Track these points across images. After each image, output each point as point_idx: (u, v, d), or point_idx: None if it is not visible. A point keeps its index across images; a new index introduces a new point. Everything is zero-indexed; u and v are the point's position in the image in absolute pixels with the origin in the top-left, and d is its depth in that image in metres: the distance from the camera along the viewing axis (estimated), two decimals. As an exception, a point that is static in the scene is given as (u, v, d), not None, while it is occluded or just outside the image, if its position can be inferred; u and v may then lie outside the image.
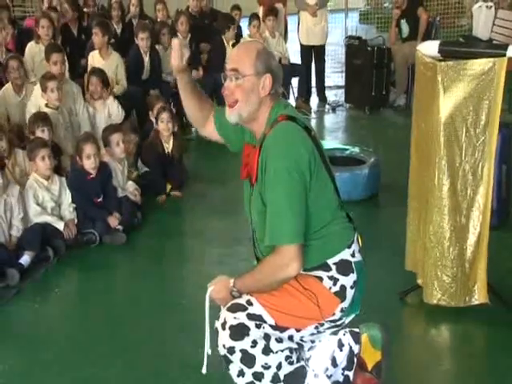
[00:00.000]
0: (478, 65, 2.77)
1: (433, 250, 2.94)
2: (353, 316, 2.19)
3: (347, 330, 2.34)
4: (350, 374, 2.34)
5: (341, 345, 2.33)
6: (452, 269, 2.93)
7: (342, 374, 2.34)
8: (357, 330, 2.36)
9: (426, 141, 3.00)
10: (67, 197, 4.02)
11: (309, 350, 2.31)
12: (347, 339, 2.35)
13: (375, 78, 6.93)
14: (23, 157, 4.14)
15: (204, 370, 2.21)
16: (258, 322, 2.06)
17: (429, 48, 3.03)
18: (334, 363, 2.32)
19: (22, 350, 2.94)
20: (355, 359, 2.34)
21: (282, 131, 2.05)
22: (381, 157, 4.75)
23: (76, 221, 3.98)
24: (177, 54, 2.21)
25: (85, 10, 7.26)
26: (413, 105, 3.26)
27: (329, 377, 2.30)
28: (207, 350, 2.19)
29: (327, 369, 2.30)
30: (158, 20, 7.04)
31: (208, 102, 2.40)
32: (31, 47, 5.86)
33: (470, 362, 2.75)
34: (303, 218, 2.01)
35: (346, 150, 4.85)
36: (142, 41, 5.97)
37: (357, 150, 4.83)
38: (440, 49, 2.92)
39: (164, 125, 4.76)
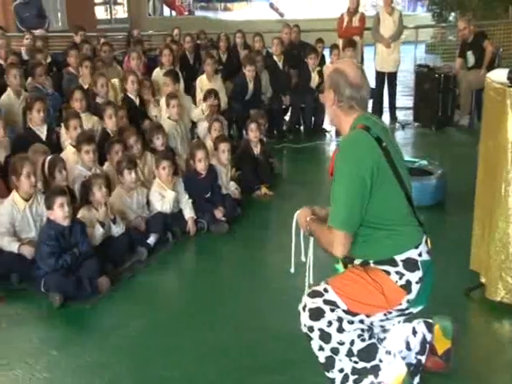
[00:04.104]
0: (545, 91, 2.63)
1: (498, 254, 2.81)
2: (421, 307, 2.12)
3: (421, 319, 2.28)
4: (423, 358, 2.28)
5: (414, 332, 2.28)
6: (516, 270, 2.77)
7: (415, 357, 2.29)
8: (430, 320, 2.30)
9: (494, 156, 2.86)
10: (184, 194, 4.10)
11: (384, 332, 2.27)
12: (421, 327, 2.29)
13: (441, 100, 6.71)
14: (151, 159, 4.30)
15: (292, 270, 2.36)
16: (332, 307, 2.08)
17: (498, 75, 2.93)
18: (408, 347, 2.27)
19: (148, 311, 3.07)
20: (427, 346, 2.28)
21: (352, 137, 2.07)
22: (447, 169, 4.56)
23: (195, 217, 4.03)
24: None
25: (198, 41, 7.51)
26: (481, 125, 3.12)
27: (403, 358, 2.25)
28: (293, 257, 2.33)
29: (401, 351, 2.26)
30: (256, 49, 7.15)
31: None
32: (157, 72, 6.14)
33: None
34: (356, 213, 1.99)
35: (416, 162, 4.70)
36: (248, 72, 6.11)
37: (425, 162, 4.67)
38: (509, 76, 2.81)
39: (252, 133, 4.89)
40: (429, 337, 2.27)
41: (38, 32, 7.57)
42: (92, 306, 3.07)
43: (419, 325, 2.28)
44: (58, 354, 2.67)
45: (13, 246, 3.31)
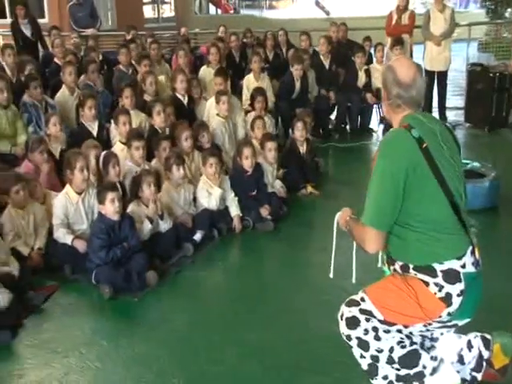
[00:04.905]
0: None
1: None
2: (467, 320, 2.04)
3: (478, 334, 2.20)
4: (478, 375, 2.19)
5: (470, 346, 2.19)
6: None
7: (470, 374, 2.20)
8: (488, 336, 2.19)
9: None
10: (230, 192, 4.12)
11: (431, 340, 2.20)
12: (477, 342, 2.19)
13: (496, 100, 6.47)
14: (198, 156, 4.35)
15: (331, 275, 2.42)
16: (367, 317, 2.07)
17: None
18: (461, 360, 2.18)
19: (193, 306, 3.12)
20: (484, 364, 2.18)
21: (391, 137, 2.05)
22: (500, 172, 4.40)
23: (241, 215, 4.04)
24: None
25: (244, 40, 7.53)
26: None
27: (457, 372, 2.16)
28: (333, 259, 2.36)
29: (453, 363, 2.17)
30: (302, 48, 7.10)
31: None
32: (204, 70, 6.20)
33: None
34: (387, 212, 1.97)
35: (467, 164, 4.56)
36: (296, 70, 6.08)
37: (477, 164, 4.53)
38: None
39: (299, 132, 4.90)
40: (486, 354, 2.17)
41: (89, 31, 7.82)
42: (140, 299, 3.15)
43: (475, 339, 2.19)
44: (108, 345, 2.76)
45: (67, 239, 3.44)
